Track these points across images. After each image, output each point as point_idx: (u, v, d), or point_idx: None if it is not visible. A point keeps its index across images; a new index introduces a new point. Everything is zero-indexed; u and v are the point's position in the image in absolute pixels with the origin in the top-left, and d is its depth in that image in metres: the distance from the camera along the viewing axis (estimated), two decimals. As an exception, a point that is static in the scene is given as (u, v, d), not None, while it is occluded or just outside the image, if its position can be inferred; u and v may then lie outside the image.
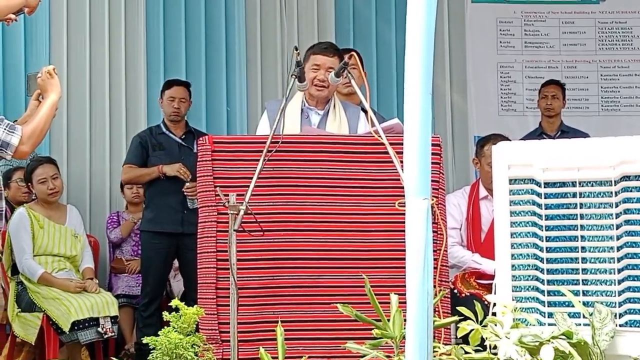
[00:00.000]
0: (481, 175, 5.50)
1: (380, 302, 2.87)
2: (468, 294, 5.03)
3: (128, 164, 6.10)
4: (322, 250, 3.99)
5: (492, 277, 4.25)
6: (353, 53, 4.72)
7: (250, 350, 3.75)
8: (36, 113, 3.84)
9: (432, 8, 2.39)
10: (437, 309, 3.47)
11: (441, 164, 4.14)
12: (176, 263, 6.21)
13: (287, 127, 4.26)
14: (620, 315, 2.69)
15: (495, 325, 2.63)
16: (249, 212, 3.67)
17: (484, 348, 2.67)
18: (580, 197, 2.77)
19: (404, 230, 2.38)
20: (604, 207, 2.73)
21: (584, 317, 2.70)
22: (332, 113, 4.51)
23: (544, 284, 2.78)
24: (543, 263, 2.79)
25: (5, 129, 3.71)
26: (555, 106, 6.76)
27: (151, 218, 5.98)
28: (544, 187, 2.80)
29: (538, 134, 6.68)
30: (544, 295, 2.78)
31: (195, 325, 3.27)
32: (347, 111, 4.56)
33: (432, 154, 2.46)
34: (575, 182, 2.77)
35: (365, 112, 4.49)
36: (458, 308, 2.84)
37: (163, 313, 3.35)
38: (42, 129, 3.79)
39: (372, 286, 2.95)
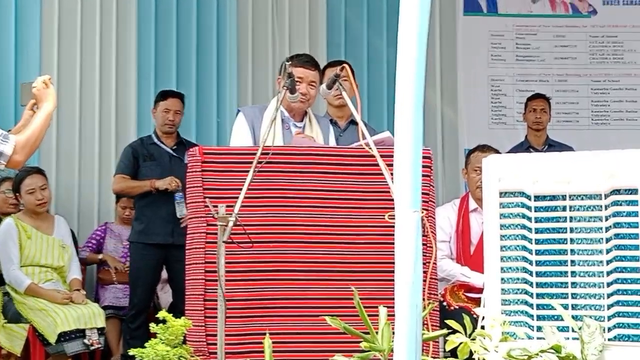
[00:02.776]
0: (468, 183, 5.50)
1: (368, 315, 2.86)
2: (457, 307, 5.02)
3: (120, 174, 6.09)
4: (311, 262, 3.97)
5: (481, 290, 4.24)
6: (345, 65, 4.71)
7: (238, 363, 3.73)
8: (31, 123, 3.83)
9: (424, 21, 2.39)
10: (425, 322, 3.45)
11: (431, 177, 4.14)
12: (164, 275, 6.19)
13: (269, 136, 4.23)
14: (609, 329, 2.68)
15: (484, 338, 2.62)
16: (238, 223, 3.66)
17: (473, 362, 2.66)
18: (570, 211, 2.76)
19: (393, 243, 2.36)
20: (594, 221, 2.73)
21: (572, 330, 2.68)
22: (309, 126, 4.52)
23: (533, 298, 2.77)
24: (532, 276, 2.78)
25: (-2, 138, 3.70)
26: (543, 120, 6.79)
27: (141, 230, 5.97)
28: (534, 200, 2.79)
29: (525, 147, 6.69)
30: (533, 309, 2.77)
31: (182, 337, 3.25)
32: (319, 123, 4.57)
33: (423, 166, 2.45)
34: (566, 195, 2.76)
35: (356, 123, 4.49)
36: (447, 321, 2.83)
37: (150, 325, 3.33)
38: (36, 138, 3.77)
39: (360, 299, 2.93)
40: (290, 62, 4.20)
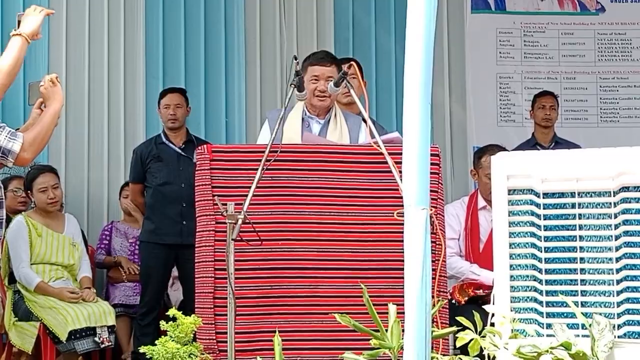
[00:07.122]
0: (480, 186, 5.50)
1: (378, 312, 2.86)
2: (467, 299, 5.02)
3: (131, 182, 6.26)
4: (320, 260, 3.98)
5: (490, 287, 4.25)
6: (352, 62, 4.72)
7: (247, 360, 3.74)
8: (38, 120, 3.86)
9: (432, 18, 2.39)
10: (435, 320, 3.46)
11: (440, 174, 4.14)
12: (174, 272, 6.21)
13: (288, 136, 4.26)
14: (619, 327, 2.68)
15: (494, 335, 2.62)
16: (247, 221, 3.66)
17: (483, 358, 2.66)
18: (579, 208, 2.76)
19: (402, 240, 2.37)
20: (603, 218, 2.73)
21: (582, 328, 2.69)
22: (333, 122, 4.51)
23: (542, 295, 2.77)
24: (542, 274, 2.78)
25: (6, 136, 3.72)
26: (552, 117, 6.78)
27: (152, 230, 6.00)
28: (543, 197, 2.79)
29: (532, 144, 6.68)
30: (543, 306, 2.77)
31: (192, 335, 3.26)
32: (348, 121, 4.56)
33: (431, 164, 2.45)
34: (575, 192, 2.76)
35: (365, 122, 4.49)
36: (457, 318, 2.83)
37: (160, 322, 3.34)
38: (43, 136, 3.80)
39: (370, 296, 2.94)
40: (297, 61, 4.19)
